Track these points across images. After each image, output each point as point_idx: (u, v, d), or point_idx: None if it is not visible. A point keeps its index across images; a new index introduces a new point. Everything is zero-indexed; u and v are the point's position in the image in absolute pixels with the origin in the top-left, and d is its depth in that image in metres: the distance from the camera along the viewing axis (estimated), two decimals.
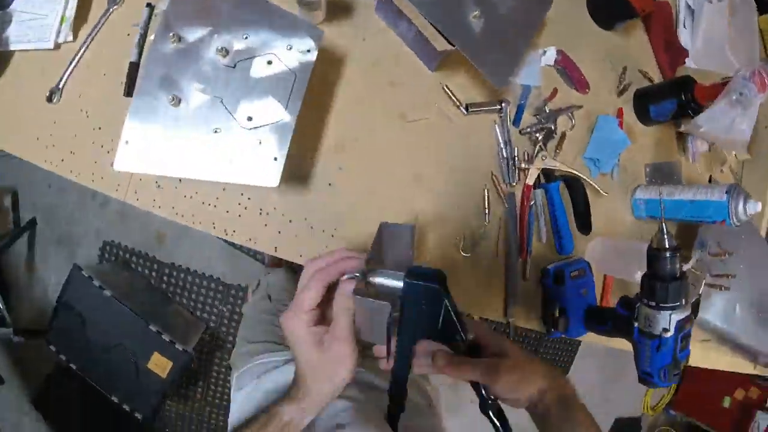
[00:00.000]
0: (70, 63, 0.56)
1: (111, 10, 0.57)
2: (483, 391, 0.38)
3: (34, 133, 0.55)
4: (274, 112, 0.46)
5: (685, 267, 0.70)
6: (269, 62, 0.47)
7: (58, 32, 0.56)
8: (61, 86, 0.56)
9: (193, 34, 0.47)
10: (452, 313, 0.34)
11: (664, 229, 0.46)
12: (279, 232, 0.55)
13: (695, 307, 0.71)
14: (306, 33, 0.48)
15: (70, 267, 1.14)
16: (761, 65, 0.65)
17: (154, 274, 1.50)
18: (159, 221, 1.49)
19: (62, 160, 0.54)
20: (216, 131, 0.45)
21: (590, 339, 0.67)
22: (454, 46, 0.51)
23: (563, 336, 0.66)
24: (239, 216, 0.54)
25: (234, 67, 0.47)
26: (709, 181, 0.88)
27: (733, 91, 0.65)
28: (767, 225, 0.89)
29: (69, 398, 1.44)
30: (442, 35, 0.51)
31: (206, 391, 1.56)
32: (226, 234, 0.53)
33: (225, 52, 0.47)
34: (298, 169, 0.55)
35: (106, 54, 0.56)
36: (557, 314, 0.64)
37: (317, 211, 0.56)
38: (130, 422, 1.14)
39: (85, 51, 0.56)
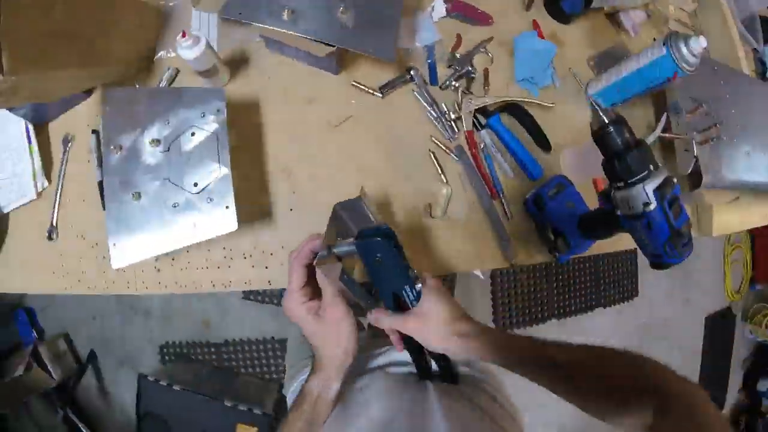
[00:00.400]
0: (54, 203, 0.66)
1: (67, 149, 0.68)
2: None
3: (48, 269, 0.65)
4: (212, 170, 0.54)
5: (650, 137, 0.70)
6: (192, 134, 0.55)
7: (35, 183, 0.66)
8: (55, 224, 0.66)
9: (128, 140, 0.56)
10: (398, 258, 0.40)
11: (597, 108, 0.46)
12: (266, 267, 0.62)
13: (696, 172, 0.69)
14: (211, 97, 0.56)
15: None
16: None
17: (213, 357, 1.63)
18: (199, 310, 1.65)
19: (78, 281, 0.64)
20: (175, 206, 0.54)
21: (603, 247, 0.67)
22: (333, 45, 0.57)
23: (573, 257, 0.65)
24: (229, 267, 0.61)
25: (168, 150, 0.55)
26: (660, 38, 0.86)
27: None
28: None
29: None
30: (322, 42, 0.57)
31: None
32: (225, 287, 0.61)
33: (156, 142, 0.55)
34: (259, 207, 0.63)
35: (78, 184, 0.66)
36: (553, 237, 0.65)
37: (289, 236, 0.63)
38: None
39: (61, 189, 0.67)
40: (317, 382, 0.44)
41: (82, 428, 1.51)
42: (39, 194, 0.67)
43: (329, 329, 0.43)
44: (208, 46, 0.56)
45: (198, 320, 1.65)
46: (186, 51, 0.55)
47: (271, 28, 0.57)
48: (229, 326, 1.64)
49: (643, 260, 2.01)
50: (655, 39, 0.82)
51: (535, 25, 0.77)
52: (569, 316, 1.90)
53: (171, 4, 0.70)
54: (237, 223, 0.52)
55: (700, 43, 0.60)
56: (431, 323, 0.42)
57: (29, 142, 0.67)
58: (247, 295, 1.63)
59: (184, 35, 0.54)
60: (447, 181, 0.66)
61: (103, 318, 1.64)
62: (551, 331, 1.86)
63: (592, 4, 0.74)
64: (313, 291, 0.45)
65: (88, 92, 0.68)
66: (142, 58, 0.66)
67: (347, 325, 0.43)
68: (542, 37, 0.75)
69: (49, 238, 0.66)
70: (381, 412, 0.45)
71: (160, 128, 0.56)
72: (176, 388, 1.23)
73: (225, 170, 0.53)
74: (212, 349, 1.63)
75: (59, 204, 0.66)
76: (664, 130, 0.71)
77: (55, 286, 0.65)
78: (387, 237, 0.40)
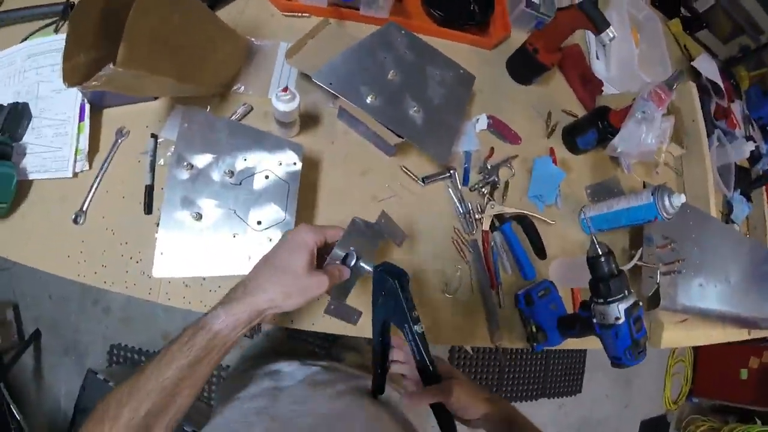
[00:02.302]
0: (90, 189, 0.72)
1: (119, 141, 0.74)
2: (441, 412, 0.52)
3: (64, 252, 0.68)
4: (277, 214, 0.64)
5: (627, 266, 0.87)
6: (266, 176, 0.66)
7: (75, 162, 0.71)
8: (85, 209, 0.71)
9: (200, 161, 0.65)
10: (403, 302, 0.48)
11: (595, 241, 0.63)
12: None
13: (655, 295, 0.86)
14: (290, 149, 0.67)
15: (80, 375, 1.25)
16: (657, 85, 0.81)
17: None
18: (163, 322, 1.65)
19: (95, 273, 0.68)
20: (234, 236, 0.63)
21: (569, 345, 0.81)
22: (402, 138, 0.72)
23: (546, 348, 0.80)
24: None
25: (240, 184, 0.65)
26: (644, 186, 1.04)
27: (637, 112, 0.82)
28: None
29: None
30: (392, 131, 0.72)
31: None
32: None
33: (230, 173, 0.65)
34: None
35: (121, 179, 0.72)
36: (534, 330, 0.79)
37: None
38: None
39: (101, 178, 0.73)
40: (225, 318, 0.43)
41: (11, 405, 1.41)
42: (75, 174, 0.71)
43: (304, 281, 0.45)
44: (299, 104, 0.69)
45: (158, 330, 1.65)
46: (281, 104, 0.66)
47: (356, 106, 0.71)
48: None
49: (590, 359, 2.29)
50: (645, 184, 1.04)
51: (552, 151, 0.97)
52: (516, 400, 2.11)
53: (258, 44, 0.82)
54: None
55: (680, 200, 0.78)
56: (467, 388, 0.52)
57: (81, 119, 0.72)
58: None
59: (285, 90, 0.66)
60: (461, 267, 0.81)
61: (60, 301, 1.59)
62: None
63: (606, 150, 0.91)
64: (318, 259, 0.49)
65: (155, 96, 0.77)
66: (221, 85, 0.76)
67: (314, 294, 0.46)
68: (555, 163, 0.96)
69: (75, 221, 0.70)
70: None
71: (236, 161, 0.66)
72: None
73: (289, 218, 0.64)
74: None
75: (96, 191, 0.72)
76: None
77: (66, 270, 0.68)
78: (400, 283, 0.48)
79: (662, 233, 0.92)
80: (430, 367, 0.51)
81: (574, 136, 0.98)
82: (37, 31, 0.79)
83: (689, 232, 0.96)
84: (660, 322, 0.97)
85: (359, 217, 0.55)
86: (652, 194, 0.81)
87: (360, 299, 0.58)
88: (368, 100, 0.71)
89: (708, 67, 1.22)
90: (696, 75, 1.24)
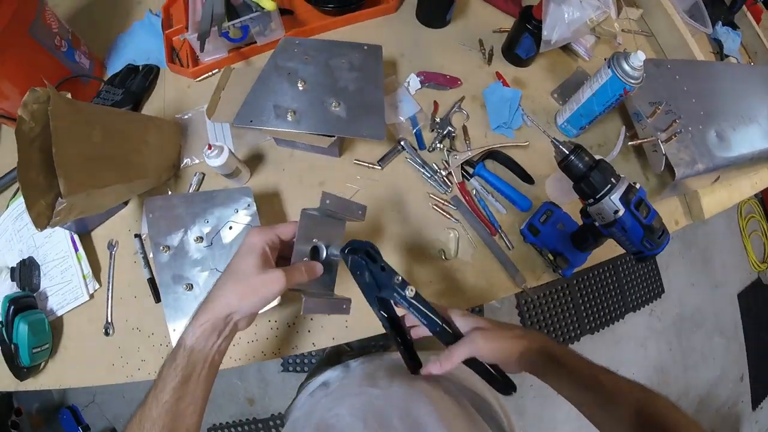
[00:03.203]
0: (107, 302, 0.82)
1: (113, 253, 0.84)
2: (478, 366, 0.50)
3: (108, 362, 0.78)
4: None
5: (614, 152, 0.82)
6: (230, 228, 0.72)
7: (86, 286, 0.82)
8: (110, 320, 0.81)
9: (174, 239, 0.73)
10: (380, 272, 0.49)
11: (557, 143, 0.60)
12: (308, 331, 0.76)
13: (669, 168, 0.81)
14: (240, 195, 0.73)
15: None
16: None
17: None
18: (243, 389, 1.79)
19: (139, 369, 0.77)
20: None
21: (595, 258, 0.80)
22: (333, 136, 0.75)
23: (576, 269, 0.77)
24: (276, 336, 0.76)
25: (211, 245, 0.71)
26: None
27: None
28: None
29: None
30: (322, 135, 0.75)
31: None
32: (275, 354, 0.75)
33: (200, 239, 0.72)
34: None
35: (127, 283, 0.81)
36: (552, 258, 0.77)
37: None
38: None
39: (112, 288, 0.82)
40: (193, 330, 0.44)
41: None
42: (91, 296, 0.82)
43: (255, 279, 0.45)
44: (230, 153, 0.74)
45: (242, 398, 1.78)
46: (213, 160, 0.72)
47: (280, 129, 0.75)
48: (273, 400, 1.78)
49: (661, 258, 2.16)
50: (605, 59, 0.97)
51: (499, 75, 0.95)
52: (602, 328, 2.03)
53: (185, 117, 0.89)
54: (278, 299, 0.68)
55: (639, 58, 0.72)
56: (493, 333, 0.49)
57: (76, 250, 0.83)
58: (286, 366, 1.79)
59: (210, 147, 0.72)
60: (452, 228, 0.82)
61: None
62: (586, 347, 1.98)
63: (540, 48, 0.88)
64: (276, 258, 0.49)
65: (125, 202, 0.86)
66: (170, 167, 0.84)
67: (271, 291, 0.46)
68: (507, 85, 0.93)
69: (106, 333, 0.80)
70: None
71: (201, 226, 0.72)
72: None
73: None
74: (260, 425, 1.75)
75: (112, 302, 0.82)
76: (633, 137, 0.85)
77: (115, 377, 0.77)
78: (368, 255, 0.49)
79: (647, 100, 0.86)
80: (441, 326, 0.50)
81: (513, 50, 0.95)
82: (15, 194, 0.91)
83: (679, 86, 0.89)
84: (693, 192, 0.91)
85: (309, 207, 0.53)
86: (608, 66, 0.75)
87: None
88: (288, 118, 0.75)
89: None
90: None
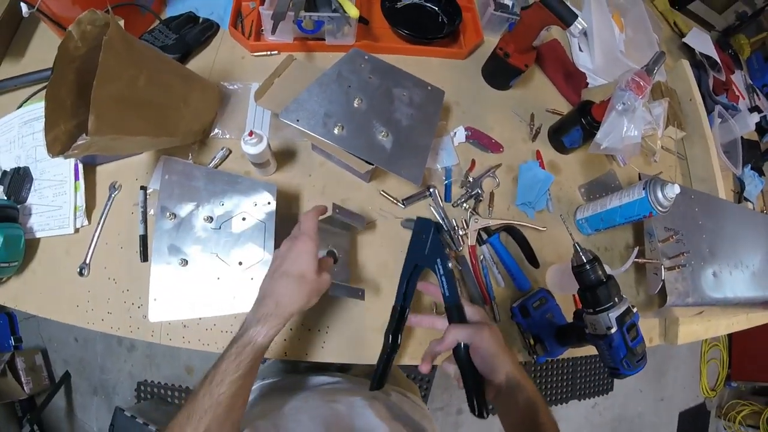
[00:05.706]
0: (91, 243, 0.80)
1: (113, 195, 0.83)
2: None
3: (73, 302, 0.77)
4: (256, 254, 0.71)
5: (623, 268, 0.85)
6: (243, 219, 0.72)
7: (75, 219, 0.81)
8: (88, 262, 0.80)
9: (182, 210, 0.73)
10: (438, 242, 0.61)
11: (578, 249, 0.62)
12: (284, 340, 0.76)
13: (663, 293, 0.85)
14: (264, 189, 0.74)
15: (110, 412, 1.36)
16: (635, 72, 0.79)
17: None
18: (186, 356, 1.78)
19: (102, 320, 0.76)
20: (218, 278, 0.70)
21: (574, 353, 0.82)
22: (372, 164, 0.77)
23: (548, 359, 0.80)
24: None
25: (219, 228, 0.72)
26: (639, 178, 1.00)
27: (616, 103, 0.80)
28: None
29: None
30: (362, 159, 0.77)
31: None
32: None
33: (210, 219, 0.72)
34: None
35: (117, 231, 0.80)
36: (533, 342, 0.80)
37: (310, 312, 0.75)
38: None
39: (100, 232, 0.81)
40: (266, 331, 0.51)
41: None
42: (77, 230, 0.81)
43: (318, 283, 0.55)
44: (268, 144, 0.75)
45: (182, 365, 1.77)
46: (250, 147, 0.73)
47: (324, 140, 0.76)
48: None
49: None
50: (640, 176, 1.00)
51: (538, 155, 0.98)
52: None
53: (231, 87, 0.89)
54: None
55: (674, 190, 0.75)
56: (499, 337, 0.54)
57: (77, 178, 0.82)
58: None
59: (251, 134, 0.72)
60: None
61: (85, 342, 1.75)
62: None
63: (590, 148, 0.90)
64: None
65: None
66: (200, 132, 0.84)
67: (323, 291, 0.57)
68: (543, 167, 0.97)
69: (80, 273, 0.79)
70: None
71: (214, 207, 0.73)
72: (151, 428, 1.31)
73: (268, 256, 0.70)
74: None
75: (96, 244, 0.81)
76: (639, 254, 0.89)
77: (76, 318, 0.77)
78: (437, 227, 0.62)
79: (664, 225, 0.90)
80: (459, 303, 0.57)
81: (559, 136, 0.98)
82: (30, 96, 0.89)
83: (695, 219, 0.94)
84: (675, 318, 0.96)
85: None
86: (643, 188, 0.79)
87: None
88: (335, 131, 0.76)
89: (700, 42, 1.20)
90: (691, 52, 1.22)
